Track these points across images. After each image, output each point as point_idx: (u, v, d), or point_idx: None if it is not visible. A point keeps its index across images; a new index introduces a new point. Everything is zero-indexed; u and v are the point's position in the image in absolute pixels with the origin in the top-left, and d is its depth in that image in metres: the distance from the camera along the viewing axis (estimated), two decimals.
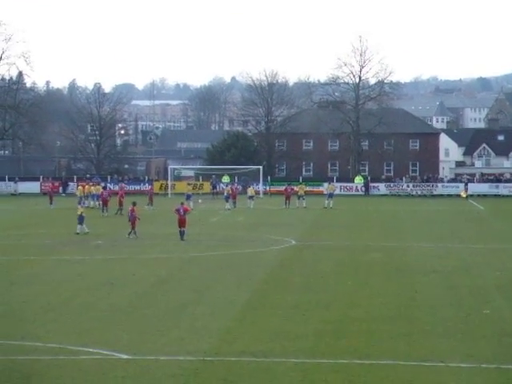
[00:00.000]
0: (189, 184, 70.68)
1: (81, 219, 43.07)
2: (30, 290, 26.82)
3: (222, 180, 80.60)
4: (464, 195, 76.60)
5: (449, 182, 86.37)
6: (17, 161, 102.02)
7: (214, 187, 77.22)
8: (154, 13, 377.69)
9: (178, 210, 41.21)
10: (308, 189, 73.86)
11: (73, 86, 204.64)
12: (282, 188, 69.23)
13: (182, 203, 43.25)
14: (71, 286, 27.55)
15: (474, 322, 21.95)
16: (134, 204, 43.14)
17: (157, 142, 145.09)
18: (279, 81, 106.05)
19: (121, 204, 55.57)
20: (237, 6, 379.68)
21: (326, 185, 72.60)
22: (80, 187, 65.07)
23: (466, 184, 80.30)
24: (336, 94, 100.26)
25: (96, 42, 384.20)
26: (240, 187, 78.73)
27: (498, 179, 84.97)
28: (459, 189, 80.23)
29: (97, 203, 60.67)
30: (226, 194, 63.15)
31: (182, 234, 40.41)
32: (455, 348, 19.12)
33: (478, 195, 79.28)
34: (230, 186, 67.27)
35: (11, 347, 19.07)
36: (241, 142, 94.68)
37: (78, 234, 42.61)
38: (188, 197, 61.75)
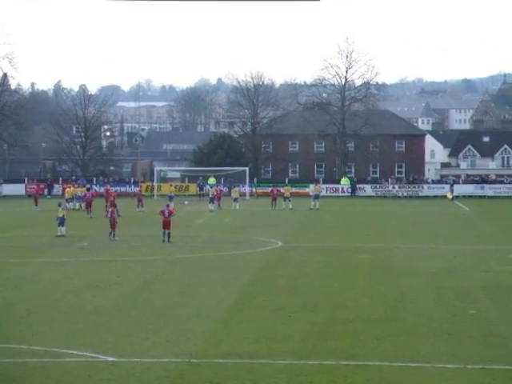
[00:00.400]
0: (171, 185, 70.37)
1: (62, 221, 42.72)
2: (16, 292, 26.70)
3: (208, 181, 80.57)
4: (450, 196, 76.82)
5: (434, 183, 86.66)
6: (2, 163, 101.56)
7: (201, 189, 77.17)
8: (139, 14, 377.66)
9: (162, 212, 41.05)
10: (294, 190, 73.90)
11: (58, 88, 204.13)
12: (268, 189, 69.26)
13: (168, 205, 43.20)
14: (57, 288, 27.45)
15: (460, 322, 22.01)
16: (115, 206, 43.17)
17: (142, 144, 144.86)
18: (265, 82, 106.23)
19: (114, 205, 55.95)
20: (222, 8, 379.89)
21: (312, 186, 72.74)
22: (68, 189, 64.97)
23: (452, 185, 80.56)
24: (324, 94, 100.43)
25: (81, 43, 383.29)
26: (226, 189, 78.77)
27: (483, 180, 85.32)
28: (445, 190, 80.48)
29: (82, 205, 60.42)
30: (210, 195, 63.14)
31: (166, 235, 40.21)
32: (441, 349, 19.16)
33: (464, 196, 79.58)
34: (214, 188, 67.27)
35: None
36: (227, 143, 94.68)
37: (64, 236, 42.40)
38: (170, 198, 61.84)
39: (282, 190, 66.43)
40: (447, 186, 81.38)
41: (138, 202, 61.60)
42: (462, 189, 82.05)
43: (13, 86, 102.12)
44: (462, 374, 17.24)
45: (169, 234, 40.18)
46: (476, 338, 20.12)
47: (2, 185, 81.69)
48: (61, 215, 43.08)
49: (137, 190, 65.76)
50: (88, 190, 62.13)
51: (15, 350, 18.89)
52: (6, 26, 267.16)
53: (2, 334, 20.54)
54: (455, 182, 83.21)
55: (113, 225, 41.45)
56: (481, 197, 79.83)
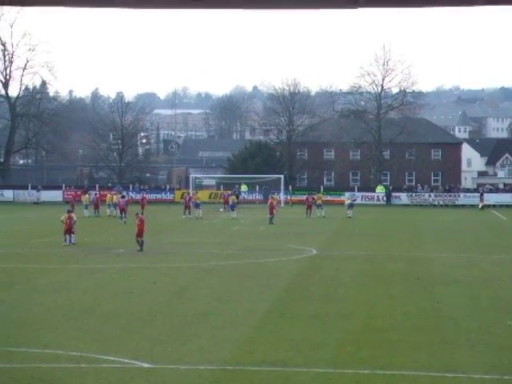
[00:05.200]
0: (196, 192, 70.52)
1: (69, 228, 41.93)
2: (52, 298, 26.95)
3: (241, 189, 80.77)
4: (480, 206, 75.71)
5: (470, 192, 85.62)
6: (40, 169, 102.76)
7: (237, 197, 77.38)
8: (175, 22, 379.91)
9: (141, 220, 40.06)
10: (329, 198, 73.74)
11: (95, 95, 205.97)
12: (303, 197, 69.24)
13: (137, 213, 41.96)
14: (93, 294, 27.67)
15: (497, 332, 21.79)
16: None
17: (178, 151, 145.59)
18: (301, 90, 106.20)
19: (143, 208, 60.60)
20: (258, 16, 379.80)
21: (347, 194, 72.98)
22: (86, 195, 65.30)
23: (482, 194, 79.42)
24: (362, 102, 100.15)
25: (118, 51, 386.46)
26: (261, 196, 79.20)
27: None
28: None
29: (118, 212, 60.81)
30: (231, 202, 63.83)
31: (141, 244, 39.26)
32: (477, 359, 18.98)
33: (501, 205, 78.76)
34: (233, 195, 68.61)
35: (33, 355, 19.18)
36: (263, 151, 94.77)
37: (69, 245, 41.37)
38: (197, 205, 62.22)
39: (315, 197, 66.40)
40: (485, 195, 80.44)
41: (185, 209, 62.21)
42: (499, 198, 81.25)
43: (51, 94, 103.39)
44: None
45: (142, 241, 39.48)
46: None
47: (40, 191, 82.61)
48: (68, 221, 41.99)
49: (187, 197, 65.20)
50: (123, 197, 62.48)
51: (52, 355, 19.07)
52: (45, 33, 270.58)
53: (40, 339, 20.75)
54: (485, 191, 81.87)
55: (68, 230, 41.13)
56: None
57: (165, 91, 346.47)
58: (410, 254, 39.68)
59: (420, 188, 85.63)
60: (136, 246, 39.15)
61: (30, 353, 19.37)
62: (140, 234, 39.41)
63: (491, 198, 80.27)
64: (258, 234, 49.80)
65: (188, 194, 68.26)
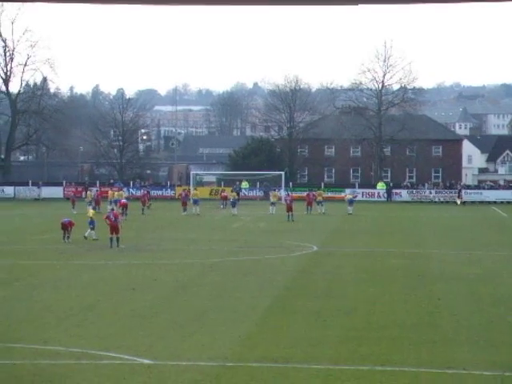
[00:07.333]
0: (195, 189, 70.79)
1: (92, 223, 42.38)
2: (53, 294, 26.97)
3: (241, 186, 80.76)
4: (458, 202, 75.62)
5: (471, 188, 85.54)
6: (40, 166, 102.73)
7: (238, 193, 77.36)
8: (176, 19, 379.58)
9: (108, 217, 40.00)
10: (330, 195, 73.62)
11: (96, 92, 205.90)
12: (304, 194, 69.25)
13: (113, 209, 41.93)
14: (94, 290, 27.68)
15: (497, 329, 21.80)
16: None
17: (179, 148, 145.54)
18: (302, 86, 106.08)
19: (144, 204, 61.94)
20: (259, 12, 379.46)
21: (348, 190, 73.15)
22: (89, 192, 65.55)
23: (460, 190, 79.29)
24: (364, 99, 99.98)
25: (119, 47, 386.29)
26: (262, 192, 79.31)
27: None
28: (482, 195, 79.58)
29: (118, 209, 60.81)
30: (232, 199, 64.20)
31: (115, 241, 39.02)
32: (478, 355, 18.99)
33: (502, 202, 78.73)
34: (224, 192, 71.13)
35: (34, 351, 19.20)
36: (264, 147, 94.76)
37: (85, 238, 42.02)
38: (195, 201, 62.27)
39: (315, 194, 66.41)
40: (485, 192, 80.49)
41: (183, 206, 62.28)
42: (499, 194, 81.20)
43: (52, 90, 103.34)
44: (499, 382, 17.08)
45: (117, 238, 39.18)
46: None
47: (41, 187, 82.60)
48: (91, 215, 42.81)
49: (183, 194, 65.74)
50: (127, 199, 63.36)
51: (53, 352, 19.08)
52: (46, 30, 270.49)
53: (41, 335, 20.77)
54: (462, 188, 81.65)
55: (66, 227, 41.32)
56: None
57: (165, 88, 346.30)
58: (410, 251, 39.68)
59: (421, 185, 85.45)
60: (120, 244, 39.05)
61: (30, 349, 19.39)
62: (112, 230, 39.15)
63: (491, 195, 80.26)
64: (259, 231, 49.80)
65: (184, 190, 68.61)
